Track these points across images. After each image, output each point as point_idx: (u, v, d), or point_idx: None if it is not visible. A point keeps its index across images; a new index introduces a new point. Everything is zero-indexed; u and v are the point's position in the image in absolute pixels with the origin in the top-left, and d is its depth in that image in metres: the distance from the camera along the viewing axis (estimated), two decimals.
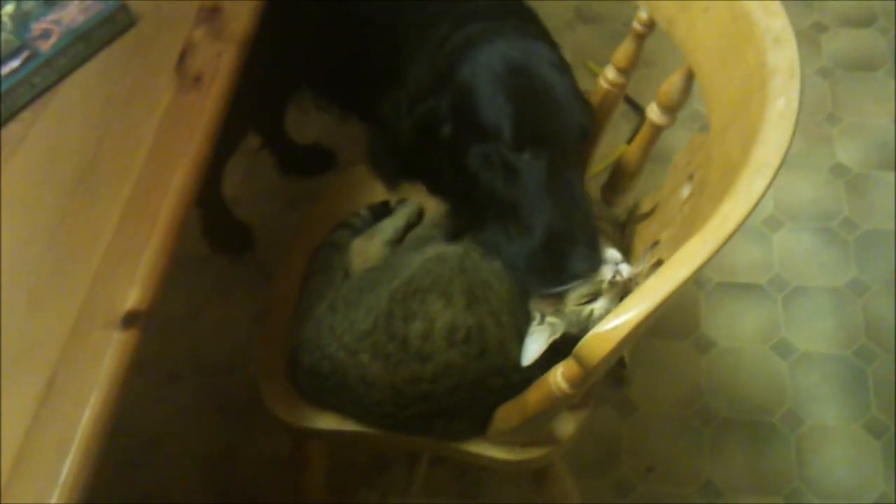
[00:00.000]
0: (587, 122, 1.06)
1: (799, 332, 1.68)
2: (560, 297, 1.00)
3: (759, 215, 1.84)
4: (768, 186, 0.73)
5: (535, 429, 1.04)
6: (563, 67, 1.06)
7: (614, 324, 0.73)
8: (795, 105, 0.77)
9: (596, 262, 1.00)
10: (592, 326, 0.78)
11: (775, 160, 0.73)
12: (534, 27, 1.16)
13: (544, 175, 1.01)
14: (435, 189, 1.16)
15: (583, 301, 0.98)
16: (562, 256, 0.99)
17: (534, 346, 0.98)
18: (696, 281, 1.76)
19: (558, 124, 1.02)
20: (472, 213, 1.09)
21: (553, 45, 1.11)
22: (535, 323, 1.01)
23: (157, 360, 1.70)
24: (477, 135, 1.03)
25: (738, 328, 1.70)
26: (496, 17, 1.12)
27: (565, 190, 1.01)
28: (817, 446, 1.55)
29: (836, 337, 1.67)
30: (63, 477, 0.71)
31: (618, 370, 1.59)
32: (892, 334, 1.66)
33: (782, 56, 0.81)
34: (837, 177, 1.90)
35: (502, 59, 1.03)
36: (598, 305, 0.98)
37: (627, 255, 1.09)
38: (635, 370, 1.64)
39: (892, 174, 1.89)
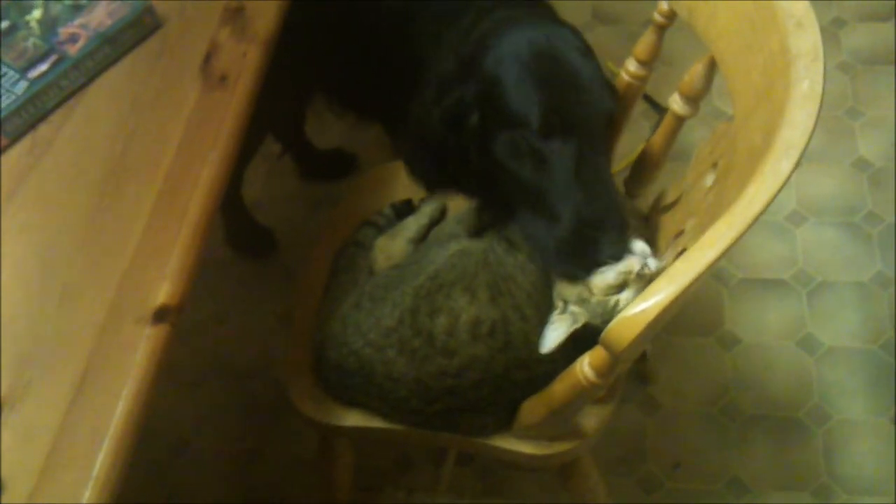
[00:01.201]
0: (613, 106, 1.06)
1: (824, 326, 1.67)
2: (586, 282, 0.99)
3: (783, 211, 1.83)
4: (794, 167, 0.72)
5: (561, 421, 1.04)
6: (588, 52, 1.05)
7: (642, 307, 0.73)
8: (819, 88, 0.77)
9: (624, 247, 0.99)
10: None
11: (801, 141, 0.73)
12: (554, 17, 1.16)
13: (572, 162, 1.00)
14: (462, 185, 1.15)
15: (609, 292, 0.98)
16: (590, 243, 0.99)
17: (553, 335, 0.98)
18: (719, 277, 1.75)
19: (586, 110, 1.01)
20: (499, 204, 1.08)
21: (576, 32, 1.10)
22: (556, 311, 1.01)
23: (183, 363, 1.71)
24: (504, 122, 1.02)
25: (763, 324, 1.69)
26: (519, 6, 1.11)
27: (593, 176, 1.01)
28: (845, 441, 1.54)
29: (862, 331, 1.66)
30: (97, 469, 0.72)
31: (640, 365, 1.58)
32: None
33: (805, 40, 0.81)
34: (860, 171, 1.89)
35: (528, 46, 1.02)
36: (624, 297, 0.97)
37: (652, 246, 1.08)
38: (659, 368, 1.63)
39: None
